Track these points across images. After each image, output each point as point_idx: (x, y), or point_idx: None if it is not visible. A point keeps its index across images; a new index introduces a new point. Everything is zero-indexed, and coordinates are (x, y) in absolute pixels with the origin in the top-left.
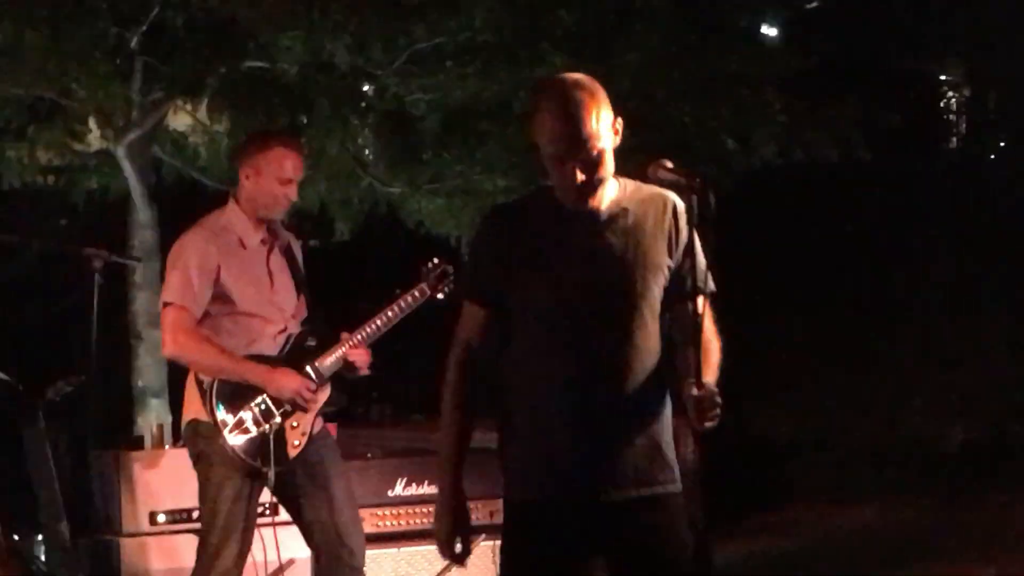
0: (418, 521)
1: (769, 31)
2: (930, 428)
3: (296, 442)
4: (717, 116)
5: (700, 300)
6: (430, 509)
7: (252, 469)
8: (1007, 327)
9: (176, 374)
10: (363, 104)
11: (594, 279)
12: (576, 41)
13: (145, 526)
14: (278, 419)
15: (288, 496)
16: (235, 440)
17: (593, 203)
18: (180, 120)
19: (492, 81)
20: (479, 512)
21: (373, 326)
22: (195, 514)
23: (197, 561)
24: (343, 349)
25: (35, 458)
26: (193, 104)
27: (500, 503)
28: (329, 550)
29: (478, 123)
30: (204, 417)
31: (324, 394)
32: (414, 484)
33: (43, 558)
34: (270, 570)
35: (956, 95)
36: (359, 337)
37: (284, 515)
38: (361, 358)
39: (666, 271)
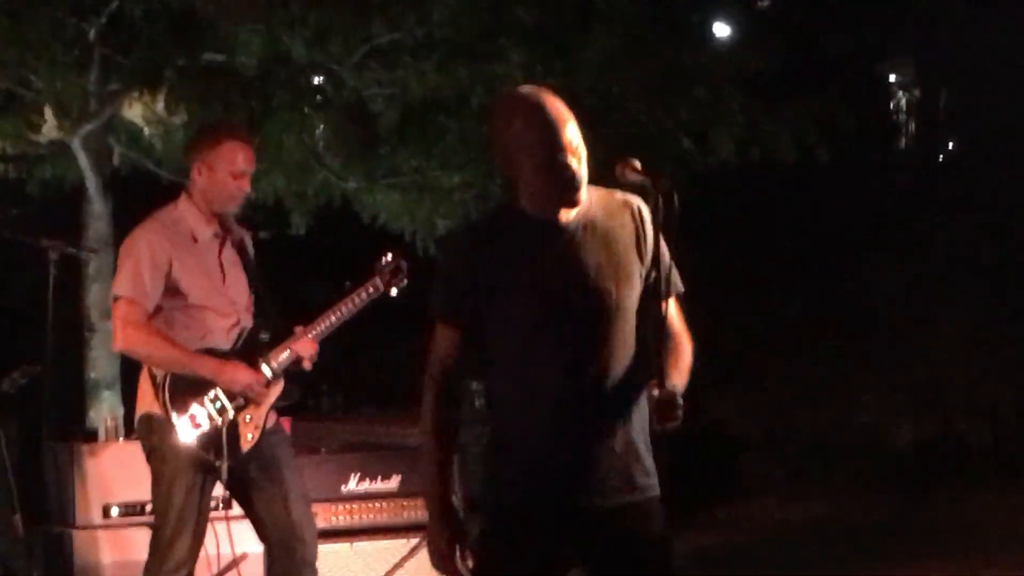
0: (371, 516)
1: (721, 30)
2: (881, 424)
3: (249, 436)
4: (674, 114)
5: (668, 302)
6: (383, 504)
7: (205, 462)
8: (959, 325)
9: (129, 367)
10: (320, 98)
11: (570, 290)
12: (535, 37)
13: (98, 519)
14: (231, 413)
15: (241, 490)
16: (187, 434)
17: (564, 214)
18: (135, 112)
19: (450, 76)
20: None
21: (327, 321)
22: (148, 507)
23: (150, 554)
24: (296, 343)
25: None
26: (151, 96)
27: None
28: (282, 544)
29: (436, 118)
30: (157, 411)
31: (277, 388)
32: (367, 479)
33: None
34: (223, 564)
35: (906, 95)
36: (313, 332)
37: (237, 509)
38: (307, 350)
39: (638, 277)
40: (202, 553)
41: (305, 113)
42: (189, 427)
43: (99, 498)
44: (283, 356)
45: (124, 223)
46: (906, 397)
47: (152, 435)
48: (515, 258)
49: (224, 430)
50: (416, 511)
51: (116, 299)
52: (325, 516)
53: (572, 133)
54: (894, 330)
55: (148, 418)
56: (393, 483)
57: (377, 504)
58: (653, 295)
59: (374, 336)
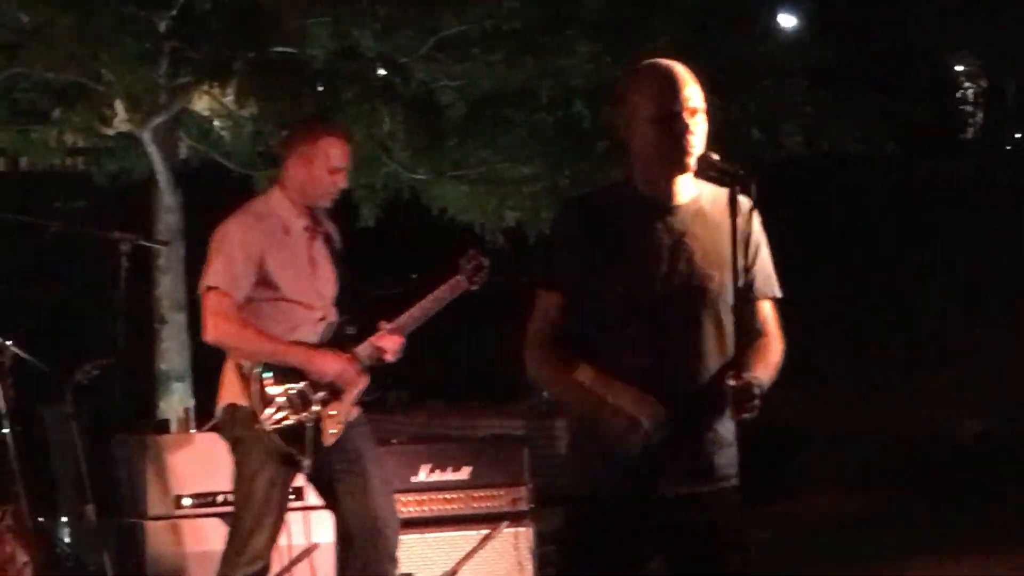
0: (442, 507)
1: (786, 22)
2: (945, 420)
3: (333, 430)
4: (742, 106)
5: (763, 303)
6: (454, 495)
7: (288, 456)
8: None
9: (200, 359)
10: (389, 91)
11: (673, 274)
12: (601, 29)
13: (170, 509)
14: (316, 406)
15: (323, 482)
16: (272, 426)
17: (676, 193)
18: (204, 104)
19: (518, 69)
20: (502, 499)
21: (411, 317)
22: (220, 498)
23: (228, 544)
24: (381, 338)
25: (61, 441)
26: (220, 89)
27: (523, 490)
28: (364, 536)
29: (503, 110)
30: (242, 402)
31: (363, 381)
32: (438, 470)
33: (68, 540)
34: (294, 554)
35: (973, 86)
36: (395, 326)
37: (309, 499)
38: (391, 345)
39: (739, 271)
40: None
41: (373, 106)
42: (274, 420)
43: (171, 489)
44: (368, 350)
45: (193, 216)
46: (970, 392)
47: (236, 426)
48: (623, 235)
49: (309, 424)
50: (485, 502)
51: (207, 290)
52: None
53: (693, 93)
54: (959, 325)
55: (233, 409)
56: (464, 474)
57: (448, 495)
58: (753, 295)
59: (440, 331)
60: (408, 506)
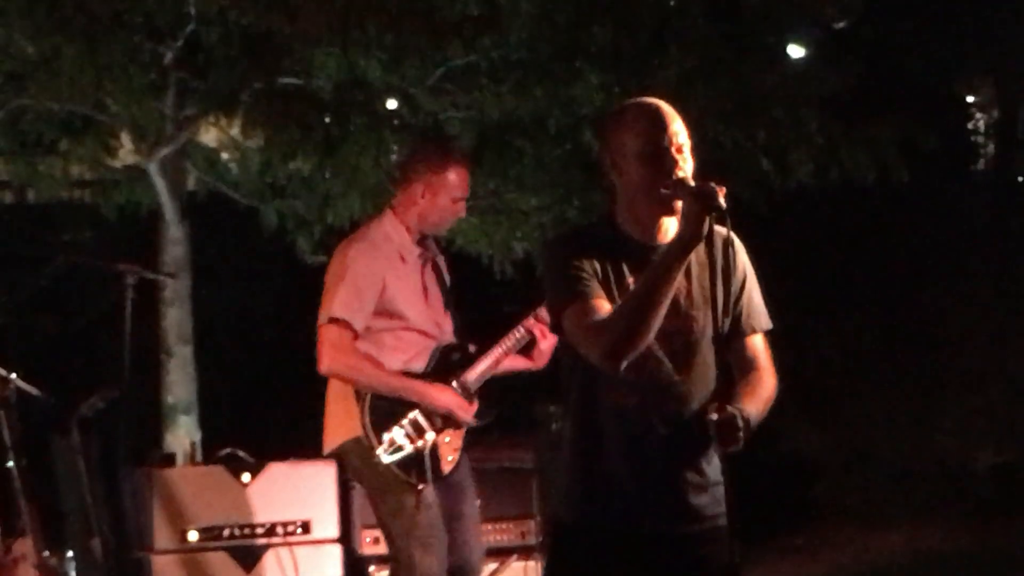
0: None
1: (796, 51)
2: (960, 450)
3: (450, 457)
4: (752, 135)
5: (752, 337)
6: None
7: (406, 484)
8: None
9: (206, 391)
10: (396, 121)
11: None
12: (611, 58)
13: (176, 543)
14: (431, 434)
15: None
16: (389, 457)
17: (660, 235)
18: (211, 136)
19: (527, 99)
20: (511, 532)
21: (514, 337)
22: (226, 532)
23: None
24: (487, 362)
25: (67, 474)
26: (227, 120)
27: (531, 523)
28: (456, 565)
29: (512, 141)
30: (358, 434)
31: (474, 408)
32: None
33: (74, 574)
34: None
35: (985, 116)
36: (502, 349)
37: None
38: (515, 364)
39: (726, 307)
40: None
41: (381, 136)
42: (390, 450)
43: (177, 522)
44: (475, 376)
45: (199, 247)
46: (985, 423)
47: (354, 459)
48: (604, 272)
49: (426, 452)
50: (494, 535)
51: (329, 320)
52: None
53: (679, 129)
54: (973, 355)
55: (351, 442)
56: None
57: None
58: (742, 330)
59: None
60: None
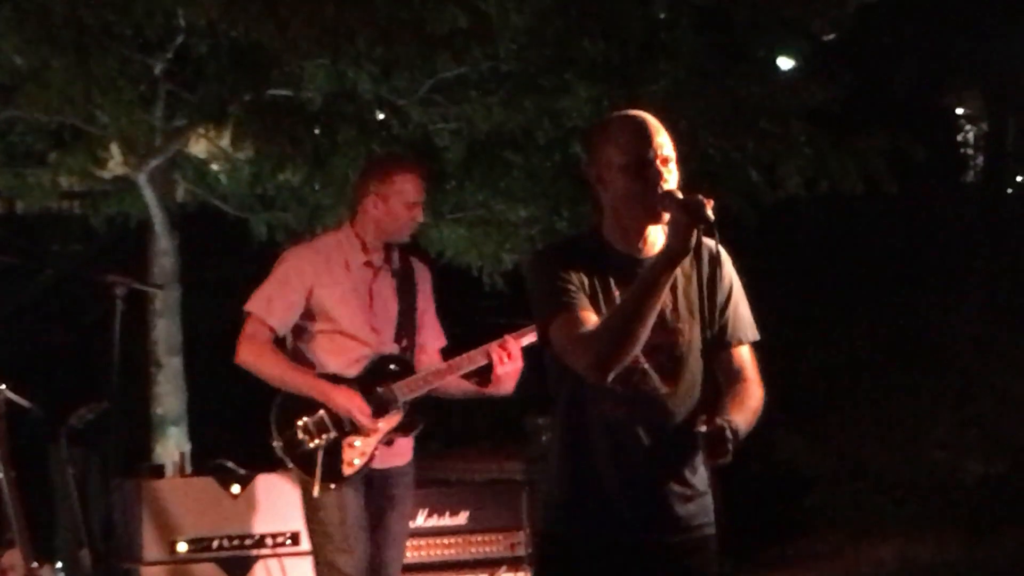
0: (439, 552)
1: (785, 63)
2: (951, 461)
3: (356, 461)
4: (741, 147)
5: (738, 348)
6: (451, 540)
7: (319, 483)
8: None
9: (196, 402)
10: (386, 133)
11: None
12: (601, 71)
13: (166, 555)
14: (333, 434)
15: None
16: (286, 452)
17: (646, 248)
18: (201, 147)
19: (516, 111)
20: (500, 544)
21: (468, 359)
22: (216, 543)
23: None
24: (425, 377)
25: (56, 485)
26: (216, 131)
27: (521, 535)
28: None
29: (502, 153)
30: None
31: (392, 419)
32: (435, 515)
33: None
34: None
35: (974, 128)
36: (448, 368)
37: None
38: (507, 368)
39: (711, 319)
40: None
41: (371, 148)
42: (289, 445)
43: (166, 534)
44: (406, 387)
45: (190, 259)
46: (976, 434)
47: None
48: (590, 286)
49: (321, 451)
50: (483, 547)
51: (248, 314)
52: None
53: (664, 141)
54: (963, 366)
55: None
56: (461, 519)
57: (445, 540)
58: (727, 342)
59: None
60: (407, 551)
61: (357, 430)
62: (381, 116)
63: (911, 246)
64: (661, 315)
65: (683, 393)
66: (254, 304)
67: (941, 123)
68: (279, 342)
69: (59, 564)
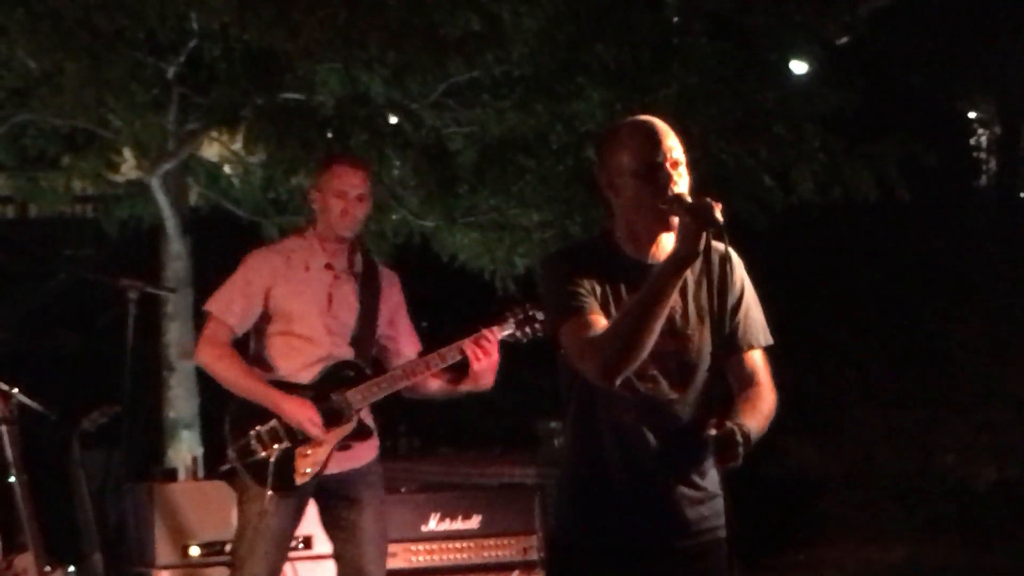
0: (452, 556)
1: (798, 68)
2: (962, 467)
3: (308, 470)
4: (754, 153)
5: (751, 353)
6: (464, 544)
7: (257, 490)
8: None
9: (208, 406)
10: (399, 137)
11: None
12: (613, 75)
13: (177, 558)
14: (286, 443)
15: (329, 527)
16: (239, 459)
17: (657, 253)
18: (213, 151)
19: (529, 115)
20: (513, 548)
21: (437, 358)
22: (228, 547)
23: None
24: (383, 382)
25: (69, 488)
26: (229, 135)
27: (533, 539)
28: None
29: (514, 157)
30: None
31: (345, 427)
32: (448, 519)
33: None
34: None
35: (987, 133)
36: (410, 369)
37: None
38: (481, 365)
39: (723, 324)
40: None
41: (383, 152)
42: (242, 454)
43: (179, 538)
44: (360, 394)
45: (202, 263)
46: (987, 440)
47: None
48: (603, 291)
49: (273, 459)
50: (496, 551)
51: (208, 314)
52: (405, 556)
53: (674, 145)
54: (975, 371)
55: None
56: (474, 523)
57: (458, 544)
58: (740, 346)
59: None
60: (418, 555)
61: (310, 440)
62: (393, 120)
63: (923, 251)
64: (670, 320)
65: (692, 398)
66: (214, 304)
67: (953, 127)
68: (243, 345)
69: (72, 568)
